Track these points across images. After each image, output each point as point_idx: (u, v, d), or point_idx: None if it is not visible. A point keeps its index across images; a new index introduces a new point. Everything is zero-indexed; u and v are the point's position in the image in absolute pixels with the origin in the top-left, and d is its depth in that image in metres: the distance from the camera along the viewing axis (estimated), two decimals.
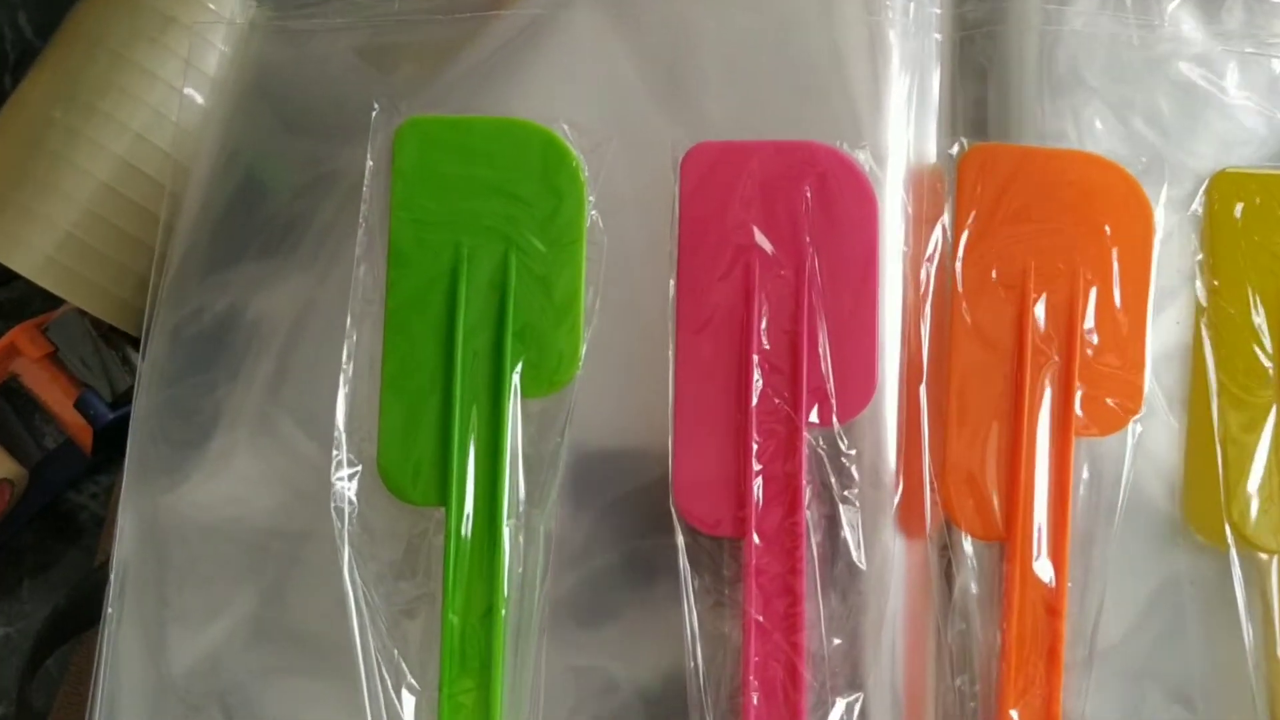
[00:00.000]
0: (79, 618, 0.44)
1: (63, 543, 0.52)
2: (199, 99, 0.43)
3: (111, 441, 0.48)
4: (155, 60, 0.46)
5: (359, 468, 0.37)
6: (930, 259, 0.37)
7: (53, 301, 0.50)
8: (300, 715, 0.37)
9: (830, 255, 0.37)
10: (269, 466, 0.38)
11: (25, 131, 0.47)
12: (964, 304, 0.37)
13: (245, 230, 0.40)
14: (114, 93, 0.46)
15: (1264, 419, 0.37)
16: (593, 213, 0.37)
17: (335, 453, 0.36)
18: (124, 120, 0.47)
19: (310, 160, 0.40)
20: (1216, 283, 0.38)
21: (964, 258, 0.37)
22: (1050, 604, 0.36)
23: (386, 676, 0.36)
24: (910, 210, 0.38)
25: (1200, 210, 0.38)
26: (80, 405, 0.48)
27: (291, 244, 0.40)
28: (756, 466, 0.36)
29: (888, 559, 0.36)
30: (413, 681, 0.36)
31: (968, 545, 0.36)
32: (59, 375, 0.49)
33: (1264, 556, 0.36)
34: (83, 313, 0.49)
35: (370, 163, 0.38)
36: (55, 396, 0.49)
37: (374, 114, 0.38)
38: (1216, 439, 0.37)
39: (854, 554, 0.36)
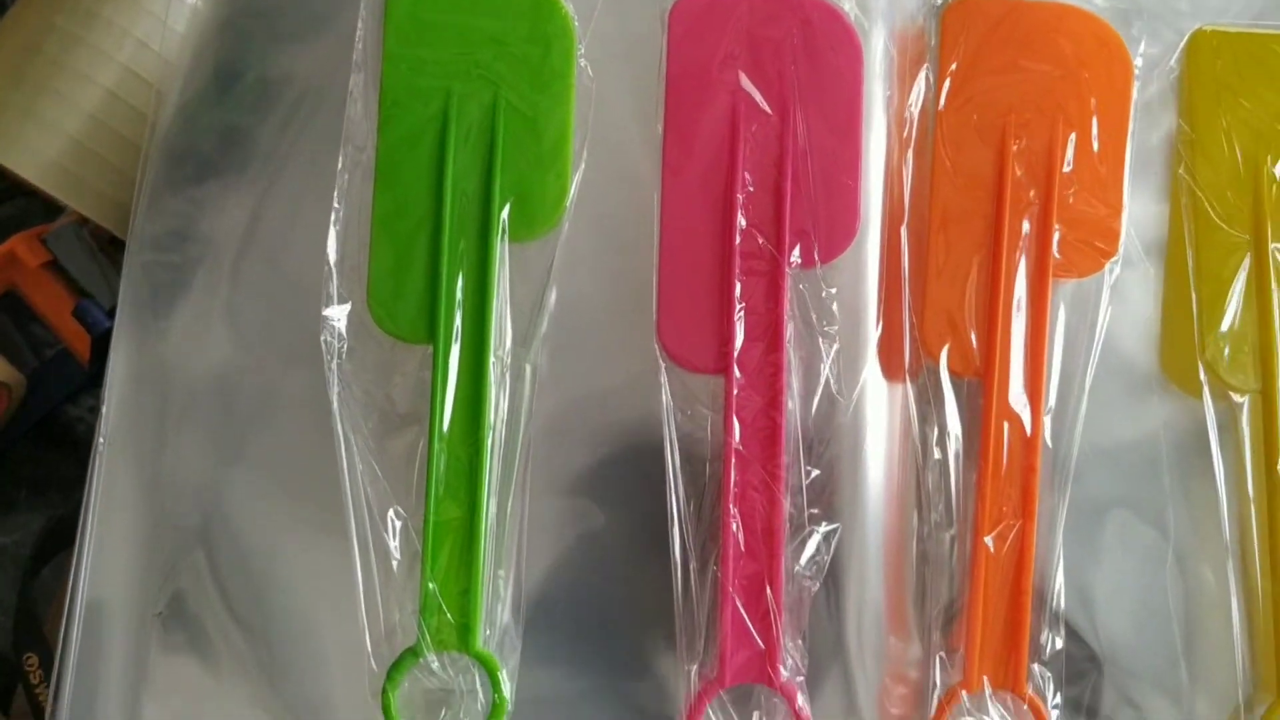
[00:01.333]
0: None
1: (60, 455, 0.52)
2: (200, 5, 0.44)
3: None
4: None
5: (348, 305, 0.37)
6: (913, 107, 0.38)
7: (51, 217, 0.51)
8: (289, 546, 0.38)
9: (815, 101, 0.37)
10: (262, 313, 0.39)
11: (27, 38, 0.48)
12: (945, 149, 0.38)
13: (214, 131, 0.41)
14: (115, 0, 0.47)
15: (1238, 265, 0.38)
16: (581, 60, 0.38)
17: (326, 289, 0.37)
18: (125, 27, 0.47)
19: (269, 64, 0.41)
20: (1193, 135, 0.39)
21: (946, 105, 0.38)
22: (1025, 439, 0.36)
23: (372, 503, 0.36)
24: (895, 59, 0.38)
25: (1179, 66, 0.39)
26: (78, 313, 0.48)
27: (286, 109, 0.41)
28: (739, 305, 0.37)
29: (867, 395, 0.37)
30: (399, 507, 0.36)
31: (946, 382, 0.37)
32: (57, 284, 0.50)
33: (1236, 397, 0.37)
34: (82, 223, 0.50)
35: (363, 10, 0.38)
36: (53, 306, 0.50)
37: None
38: (1191, 285, 0.38)
39: (834, 389, 0.37)
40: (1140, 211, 0.39)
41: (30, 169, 0.46)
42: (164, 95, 0.42)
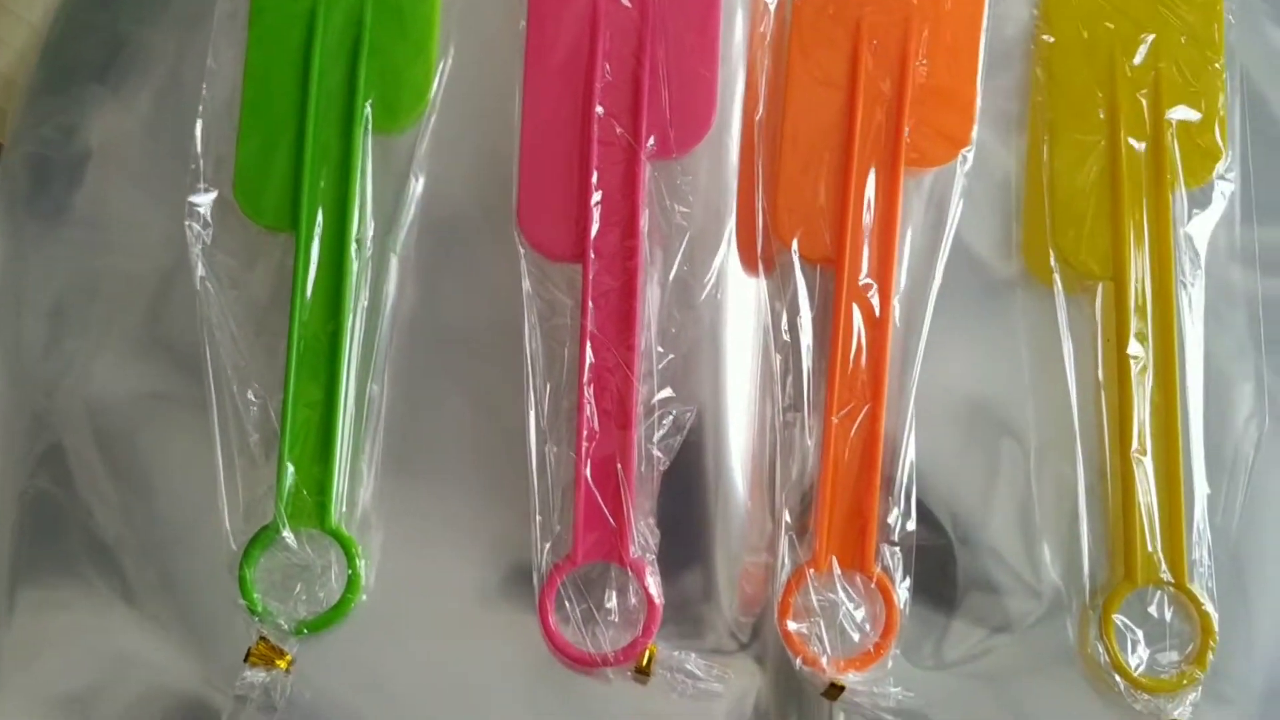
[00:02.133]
0: None
1: None
2: None
3: None
4: None
5: (214, 192, 0.38)
6: (772, 2, 0.39)
7: None
8: (155, 429, 0.38)
9: None
10: (128, 202, 0.40)
11: None
12: (800, 40, 0.38)
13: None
14: None
15: (1092, 158, 0.38)
16: None
17: (191, 177, 0.38)
18: None
19: None
20: (1049, 27, 0.39)
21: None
22: (875, 320, 0.37)
23: (234, 385, 0.37)
24: None
25: None
26: None
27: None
28: (596, 193, 0.37)
29: (727, 282, 0.37)
30: (259, 387, 0.37)
31: (798, 267, 0.37)
32: None
33: (1088, 287, 0.38)
34: None
35: None
36: None
37: None
38: (1045, 177, 0.38)
39: (686, 275, 0.37)
40: (999, 106, 0.39)
41: None
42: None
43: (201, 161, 0.38)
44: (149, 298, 0.39)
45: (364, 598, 0.37)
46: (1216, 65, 0.39)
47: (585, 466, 0.36)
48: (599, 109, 0.38)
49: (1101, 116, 0.38)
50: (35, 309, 0.39)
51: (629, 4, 0.38)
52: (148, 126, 0.40)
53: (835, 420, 0.36)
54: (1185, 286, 0.37)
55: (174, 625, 0.37)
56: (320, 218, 0.38)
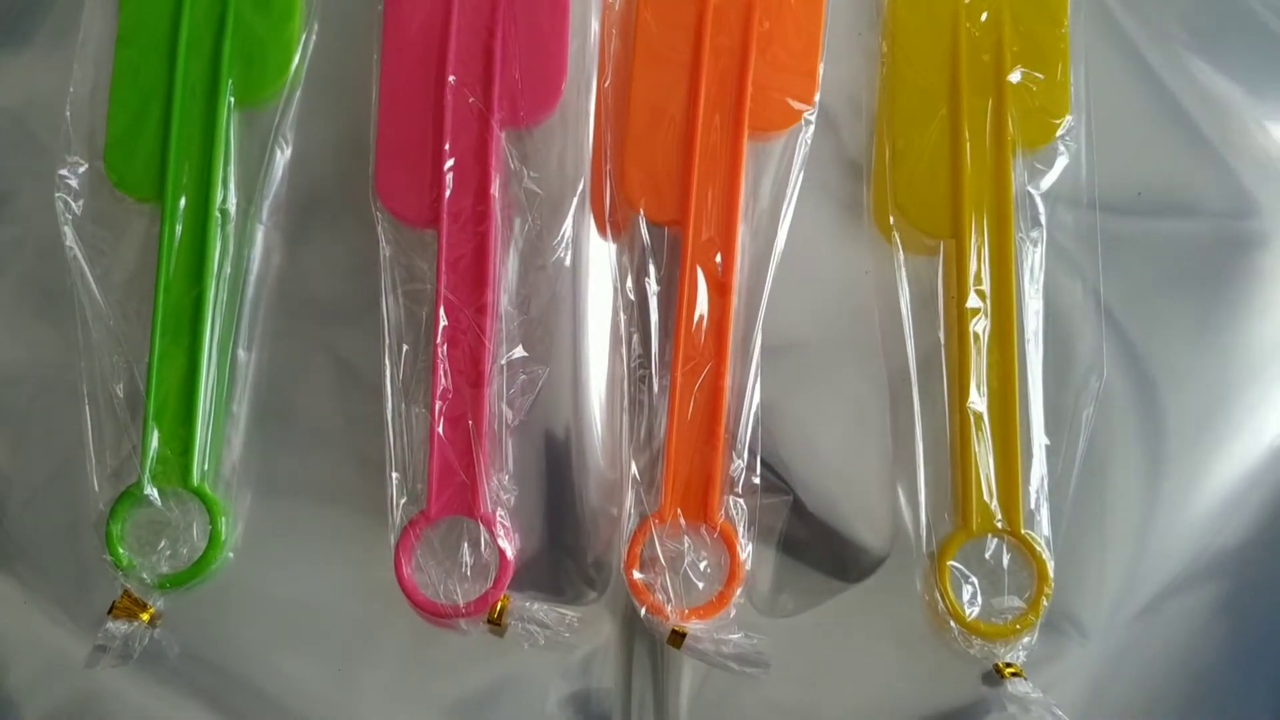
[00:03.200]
0: None
1: None
2: None
3: None
4: None
5: (85, 164, 0.39)
6: None
7: None
8: (23, 394, 0.39)
9: None
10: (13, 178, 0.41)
11: None
12: (646, 7, 0.39)
13: None
14: None
15: (933, 119, 0.39)
16: None
17: (62, 148, 0.39)
18: None
19: None
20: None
21: None
22: (719, 283, 0.38)
23: (101, 349, 0.38)
24: None
25: None
26: None
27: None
28: (450, 161, 0.38)
29: (573, 244, 0.39)
30: (126, 351, 0.38)
31: (644, 229, 0.38)
32: None
33: (930, 243, 0.39)
34: None
35: None
36: None
37: None
38: (887, 135, 0.39)
39: (539, 239, 0.38)
40: (849, 66, 0.40)
41: None
42: None
43: (71, 134, 0.39)
44: (23, 262, 0.40)
45: (230, 556, 0.38)
46: (1061, 29, 0.40)
47: (439, 425, 0.37)
48: (451, 78, 0.39)
49: (944, 77, 0.39)
50: None
51: None
52: (26, 98, 0.41)
53: (680, 377, 0.37)
54: (1025, 244, 0.38)
55: (42, 582, 0.38)
56: (185, 189, 0.39)
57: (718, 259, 0.38)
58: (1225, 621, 0.38)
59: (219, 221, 0.39)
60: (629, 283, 0.38)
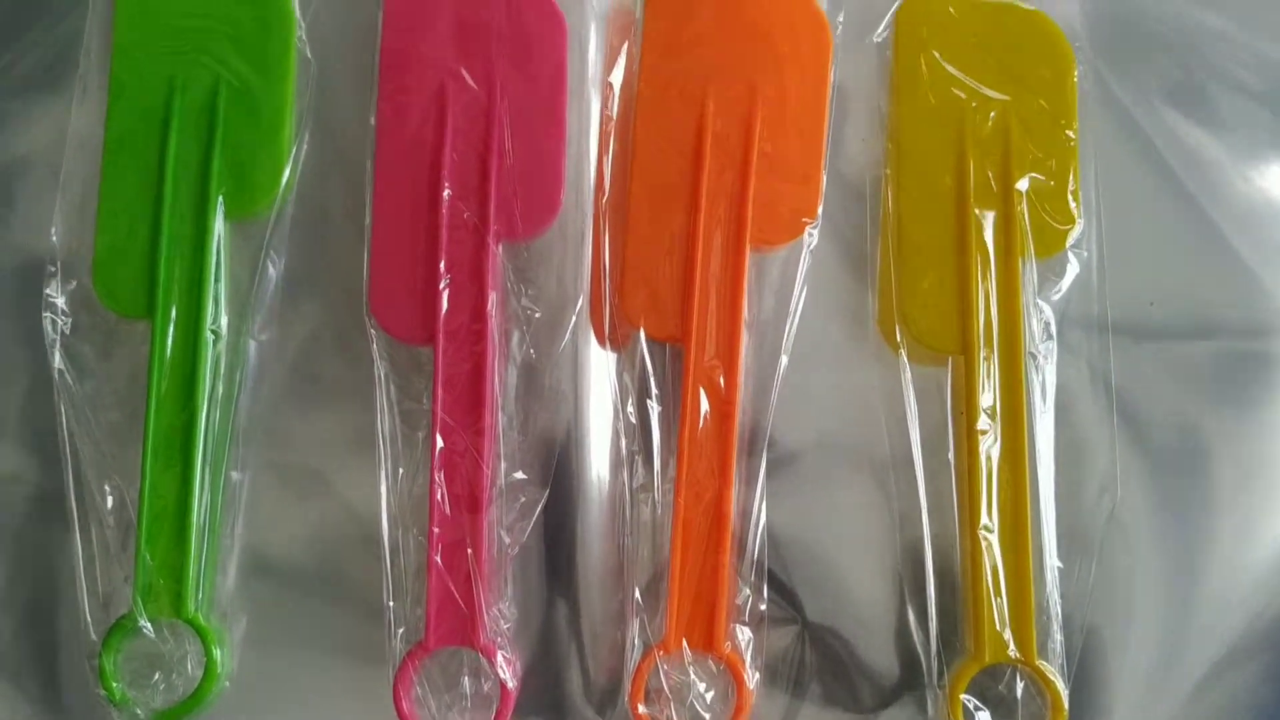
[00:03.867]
0: None
1: None
2: None
3: None
4: None
5: (73, 282, 0.38)
6: (616, 82, 0.39)
7: None
8: (18, 515, 0.38)
9: (521, 80, 0.38)
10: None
11: None
12: (646, 121, 0.38)
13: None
14: None
15: (941, 232, 0.38)
16: (302, 45, 0.39)
17: (50, 266, 0.38)
18: None
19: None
20: (900, 103, 0.39)
21: (646, 79, 0.38)
22: (722, 403, 0.37)
23: (90, 474, 0.37)
24: (606, 41, 0.39)
25: (887, 34, 0.40)
26: None
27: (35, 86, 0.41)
28: (445, 277, 0.38)
29: (572, 362, 0.38)
30: (115, 479, 0.37)
31: (645, 346, 0.37)
32: None
33: (938, 360, 0.38)
34: None
35: (91, 2, 0.40)
36: None
37: None
38: (893, 250, 0.38)
39: (532, 357, 0.38)
40: (854, 177, 0.39)
41: None
42: None
43: (58, 250, 0.38)
44: (12, 384, 0.39)
45: (226, 685, 0.37)
46: (1069, 133, 0.39)
47: (436, 552, 0.36)
48: (446, 192, 0.38)
49: (950, 185, 0.38)
50: None
51: (476, 87, 0.38)
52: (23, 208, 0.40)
53: (683, 501, 0.36)
54: (1036, 358, 0.37)
55: (33, 713, 0.37)
56: (175, 306, 0.38)
57: (720, 377, 0.37)
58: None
59: (210, 340, 0.38)
60: (630, 403, 0.38)
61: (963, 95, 0.39)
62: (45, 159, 0.40)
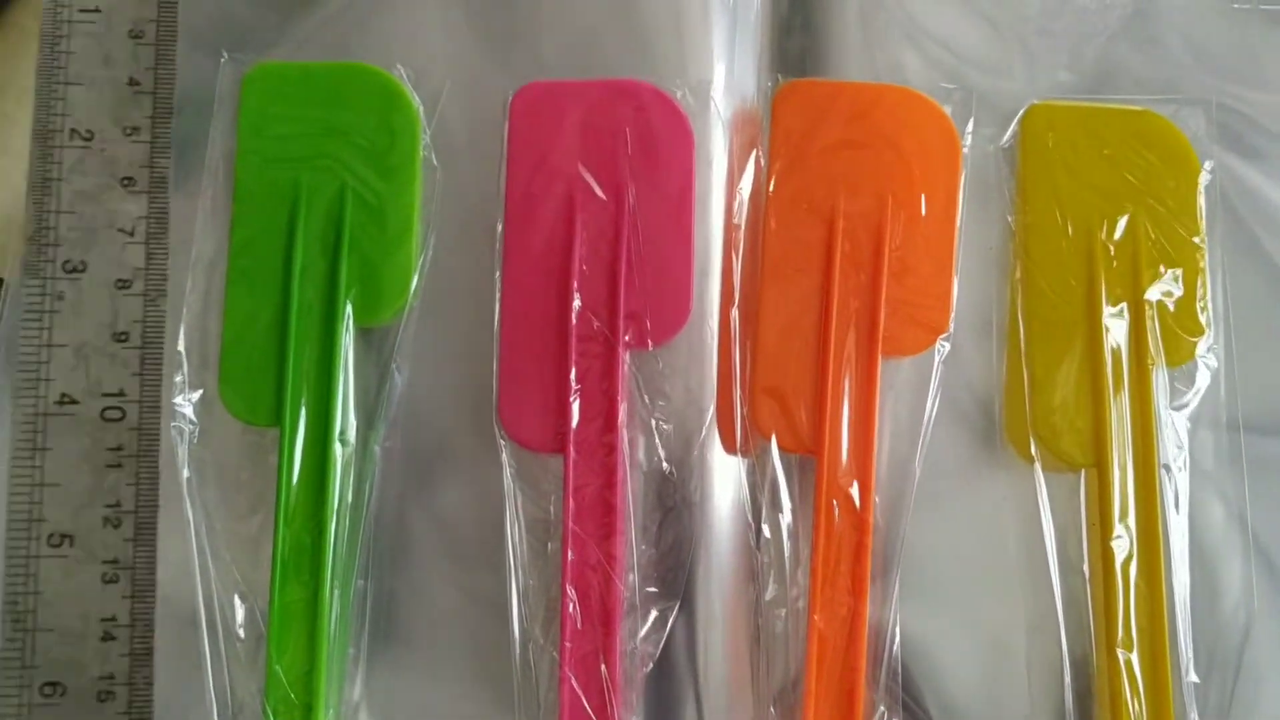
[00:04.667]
0: None
1: None
2: None
3: None
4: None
5: (200, 391, 0.38)
6: (744, 189, 0.39)
7: None
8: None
9: (648, 187, 0.38)
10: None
11: None
12: (775, 229, 0.38)
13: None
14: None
15: (1071, 340, 0.38)
16: (428, 151, 0.39)
17: (177, 376, 0.38)
18: None
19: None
20: (1027, 210, 0.39)
21: (776, 186, 0.38)
22: (857, 517, 0.37)
23: (219, 586, 0.37)
24: (731, 144, 0.39)
25: (1013, 141, 0.40)
26: None
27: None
28: (575, 386, 0.38)
29: (703, 473, 0.38)
30: (245, 589, 0.37)
31: (777, 460, 0.37)
32: None
33: (1072, 473, 0.37)
34: None
35: (216, 107, 0.40)
36: None
37: (222, 61, 0.40)
38: (1024, 359, 0.38)
39: (666, 468, 0.38)
40: (980, 285, 0.39)
41: None
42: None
43: (185, 360, 0.38)
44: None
45: None
46: (1196, 239, 0.39)
47: (568, 665, 0.36)
48: (577, 302, 0.38)
49: (1079, 295, 0.38)
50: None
51: (604, 196, 0.38)
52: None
53: (817, 619, 0.36)
54: (1169, 470, 0.37)
55: None
56: (304, 414, 0.38)
57: (854, 490, 0.37)
58: None
59: (339, 448, 0.38)
60: (761, 514, 0.37)
61: (1090, 203, 0.39)
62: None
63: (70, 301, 0.28)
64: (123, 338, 0.29)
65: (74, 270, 0.28)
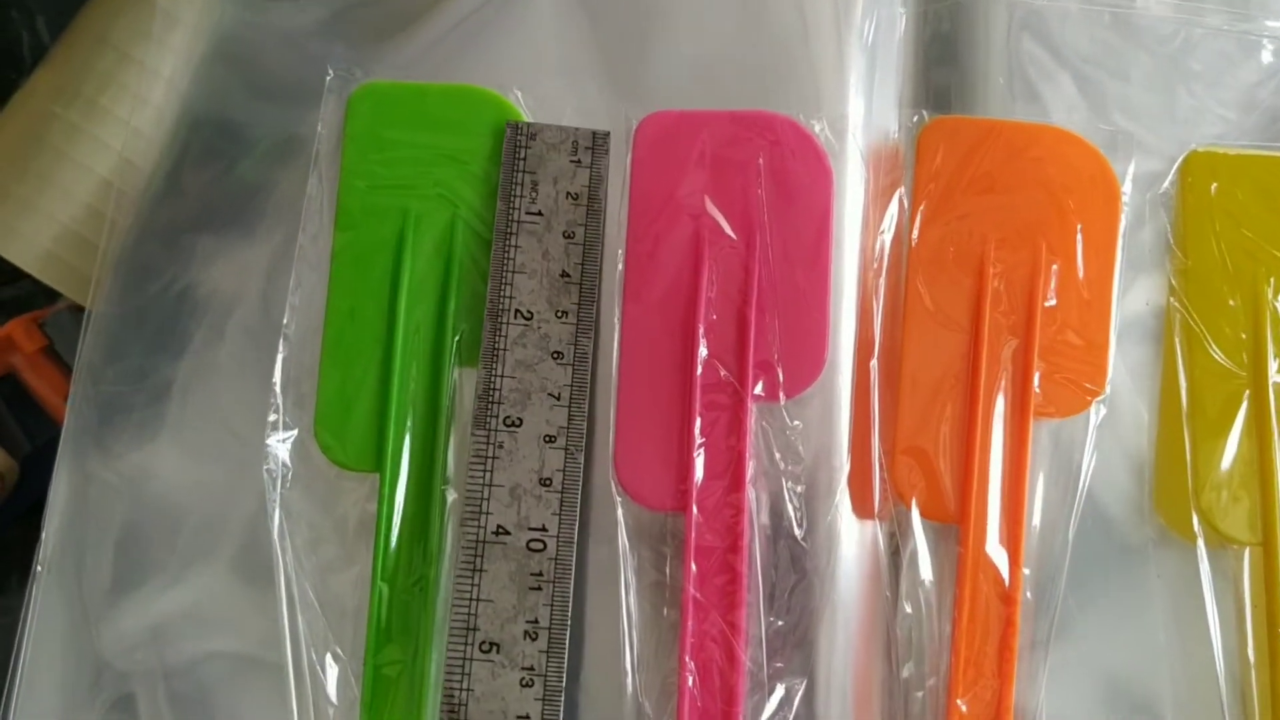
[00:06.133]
0: None
1: None
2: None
3: None
4: (158, 58, 0.46)
5: (294, 431, 0.36)
6: (886, 232, 0.36)
7: (55, 299, 0.50)
8: (231, 685, 0.36)
9: (783, 226, 0.36)
10: (209, 441, 0.38)
11: (28, 126, 0.48)
12: (919, 277, 0.36)
13: (204, 201, 0.40)
14: (115, 88, 0.47)
15: (1236, 405, 0.35)
16: None
17: (271, 415, 0.36)
18: (124, 116, 0.47)
19: (270, 127, 0.40)
20: (1188, 263, 0.36)
21: (920, 230, 0.36)
22: (1004, 592, 0.34)
23: (312, 646, 0.35)
24: (869, 183, 0.37)
25: (1171, 189, 0.37)
26: None
27: (250, 217, 0.39)
28: (699, 440, 0.35)
29: (834, 539, 0.35)
30: (338, 650, 0.35)
31: (918, 527, 0.34)
32: (53, 369, 0.49)
33: (1234, 549, 0.35)
34: (79, 308, 0.49)
35: (321, 127, 0.37)
36: (49, 390, 0.49)
37: (328, 79, 0.38)
38: (1185, 425, 0.35)
39: (798, 532, 0.35)
40: (1133, 344, 0.36)
41: (29, 261, 0.45)
42: (122, 199, 0.41)
43: (280, 400, 0.36)
44: (231, 540, 0.36)
45: None
46: None
47: None
48: (703, 349, 0.35)
49: (1244, 355, 0.35)
50: (110, 550, 0.37)
51: (734, 235, 0.36)
52: (235, 349, 0.38)
53: (959, 702, 0.34)
54: None
55: None
56: (406, 459, 0.36)
57: (1003, 566, 0.34)
58: None
59: (444, 497, 0.36)
60: (900, 588, 0.35)
61: (1256, 257, 0.36)
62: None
63: (508, 450, 0.35)
64: (547, 483, 0.35)
65: (512, 424, 0.35)
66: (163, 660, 0.36)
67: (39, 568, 0.37)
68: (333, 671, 0.34)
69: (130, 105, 0.46)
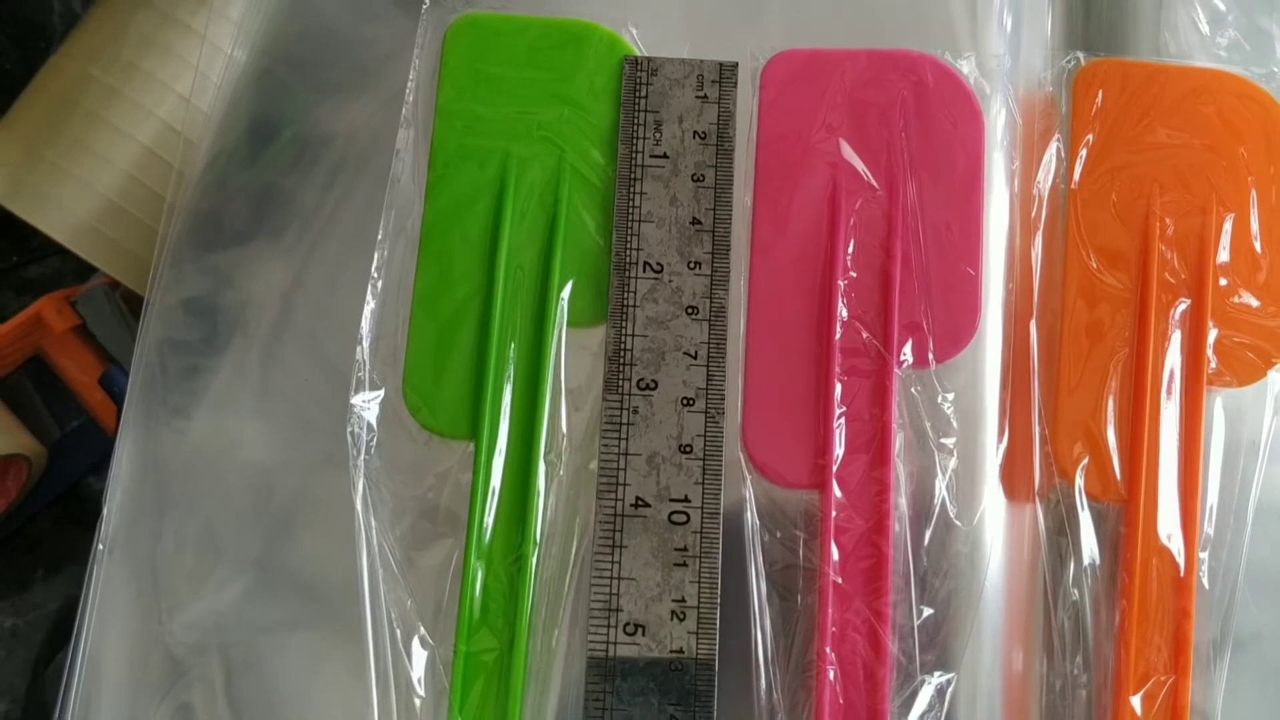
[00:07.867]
0: None
1: (80, 531, 0.48)
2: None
3: None
4: (201, 19, 0.43)
5: (381, 391, 0.32)
6: (1042, 183, 0.33)
7: (86, 277, 0.47)
8: (305, 671, 0.32)
9: (928, 174, 0.33)
10: (277, 400, 0.34)
11: (62, 90, 0.44)
12: (1080, 233, 0.32)
13: (286, 156, 0.36)
14: (157, 51, 0.43)
15: None
16: None
17: (356, 373, 0.32)
18: (166, 81, 0.43)
19: (350, 73, 0.36)
20: None
21: (1080, 182, 0.33)
22: (1177, 578, 0.31)
23: (396, 628, 0.31)
24: (1019, 128, 0.34)
25: None
26: (104, 381, 0.44)
27: (326, 171, 0.36)
28: (839, 410, 0.31)
29: (989, 519, 0.31)
30: (426, 635, 0.31)
31: (1083, 507, 0.31)
32: (85, 350, 0.46)
33: None
34: (114, 286, 0.46)
35: (416, 62, 0.34)
36: (80, 372, 0.46)
37: (424, 8, 0.34)
38: None
39: (950, 512, 0.31)
40: None
41: (62, 231, 0.42)
42: (193, 148, 0.38)
43: (368, 356, 0.32)
44: (309, 513, 0.33)
45: None
46: None
47: None
48: (842, 310, 0.32)
49: None
50: (176, 524, 0.33)
51: (876, 184, 0.33)
52: (315, 307, 0.34)
53: (1128, 698, 0.30)
54: None
55: None
56: (505, 426, 0.32)
57: (1176, 547, 0.31)
58: None
59: (544, 469, 0.32)
60: (1062, 574, 0.31)
61: None
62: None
63: (644, 415, 0.32)
64: (687, 449, 0.31)
65: (646, 387, 0.32)
66: (241, 647, 0.32)
67: (100, 547, 0.33)
68: (419, 658, 0.31)
69: (173, 69, 0.43)
